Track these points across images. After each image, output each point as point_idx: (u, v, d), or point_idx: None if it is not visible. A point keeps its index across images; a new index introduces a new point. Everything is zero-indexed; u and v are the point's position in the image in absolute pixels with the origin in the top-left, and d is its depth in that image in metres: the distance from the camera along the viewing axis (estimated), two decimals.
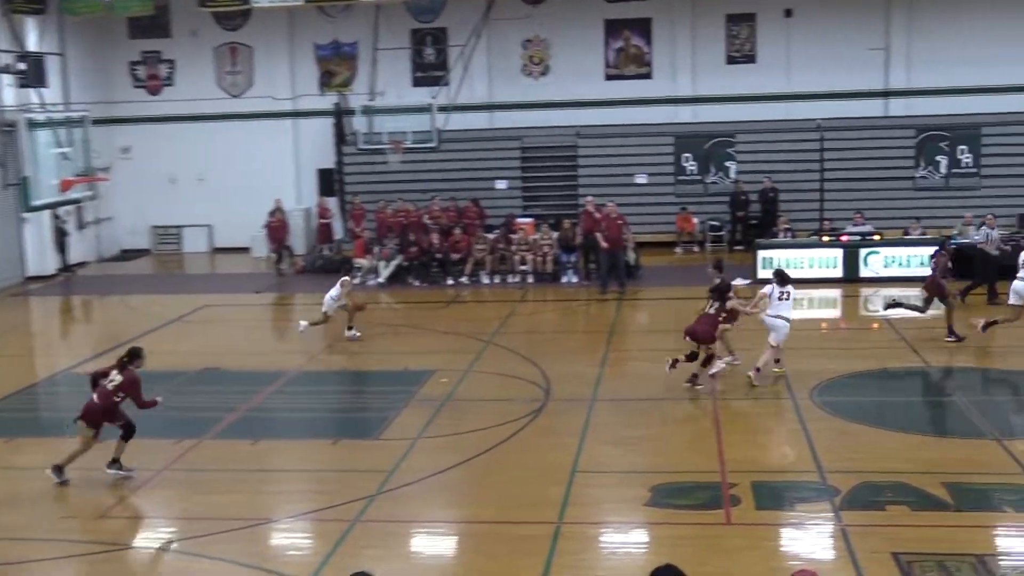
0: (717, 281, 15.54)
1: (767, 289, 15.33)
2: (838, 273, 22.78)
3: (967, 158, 27.45)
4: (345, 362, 17.75)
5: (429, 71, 29.97)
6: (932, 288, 17.72)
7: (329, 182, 29.94)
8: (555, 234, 24.72)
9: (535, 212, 27.80)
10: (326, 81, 30.43)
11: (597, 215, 23.34)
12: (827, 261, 22.87)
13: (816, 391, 14.69)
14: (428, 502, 11.31)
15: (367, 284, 24.58)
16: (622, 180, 28.26)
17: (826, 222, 25.51)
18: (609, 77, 29.65)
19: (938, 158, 27.55)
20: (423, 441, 13.14)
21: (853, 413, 13.84)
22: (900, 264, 22.72)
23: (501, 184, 28.74)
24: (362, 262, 25.10)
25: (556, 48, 29.75)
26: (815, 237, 23.89)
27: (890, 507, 10.64)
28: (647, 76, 29.49)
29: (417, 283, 24.40)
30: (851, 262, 22.78)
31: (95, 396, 11.89)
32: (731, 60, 29.16)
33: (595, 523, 10.61)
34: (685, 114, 29.12)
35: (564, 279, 24.18)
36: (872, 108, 28.44)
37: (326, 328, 18.90)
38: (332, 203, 28.78)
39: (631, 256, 23.97)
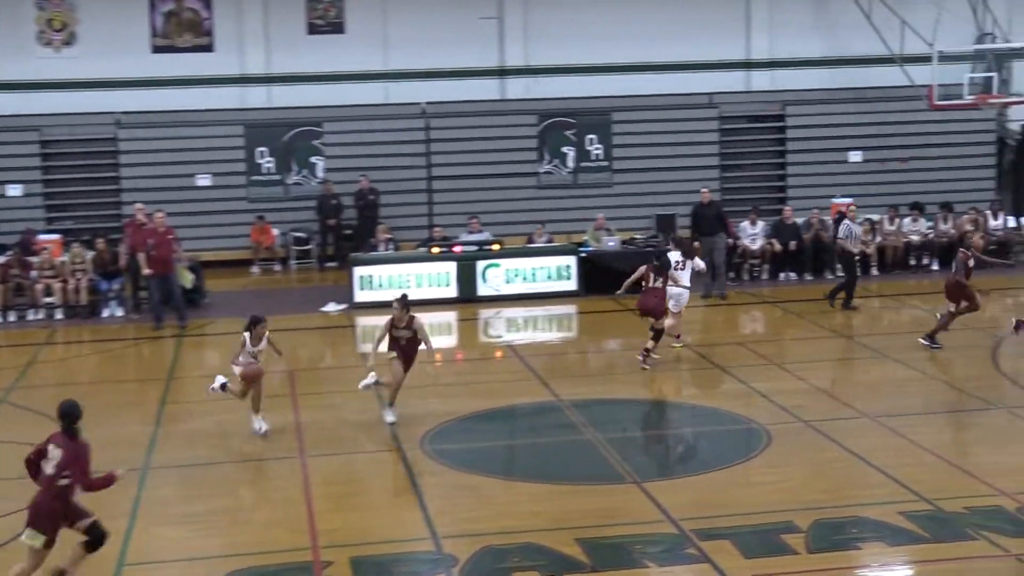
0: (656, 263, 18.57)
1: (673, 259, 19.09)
2: (452, 292, 23.65)
3: (597, 149, 29.45)
4: None
5: None
6: (952, 290, 19.25)
7: None
8: (90, 255, 23.90)
9: (63, 227, 26.77)
10: None
11: (151, 226, 22.82)
12: (439, 278, 23.70)
13: (427, 438, 15.13)
14: None
15: None
16: (179, 183, 27.86)
17: (436, 229, 26.42)
18: (157, 49, 29.16)
19: (564, 149, 29.37)
20: None
21: (472, 463, 14.37)
22: (525, 278, 23.95)
23: (13, 190, 27.48)
24: None
25: (85, 10, 28.84)
26: (423, 249, 24.68)
27: (517, 574, 11.15)
28: (207, 48, 29.28)
29: None
30: (467, 278, 23.73)
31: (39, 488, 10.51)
32: (313, 30, 29.57)
33: None
34: (258, 97, 29.18)
35: (106, 313, 23.49)
36: (487, 89, 29.86)
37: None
38: None
39: (186, 278, 23.55)
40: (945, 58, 27.32)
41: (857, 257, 22.77)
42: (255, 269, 27.66)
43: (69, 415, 10.61)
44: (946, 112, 28.33)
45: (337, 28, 29.64)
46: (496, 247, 24.43)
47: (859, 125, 29.85)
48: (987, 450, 14.40)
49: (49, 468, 10.40)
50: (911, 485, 13.00)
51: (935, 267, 26.02)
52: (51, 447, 10.53)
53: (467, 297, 23.62)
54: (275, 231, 28.01)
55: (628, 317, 22.39)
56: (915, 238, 26.38)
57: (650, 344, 18.39)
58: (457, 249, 24.19)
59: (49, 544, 10.43)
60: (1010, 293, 24.43)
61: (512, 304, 23.45)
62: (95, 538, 10.74)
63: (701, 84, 29.99)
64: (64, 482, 10.40)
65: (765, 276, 25.61)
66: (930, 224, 26.57)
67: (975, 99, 27.26)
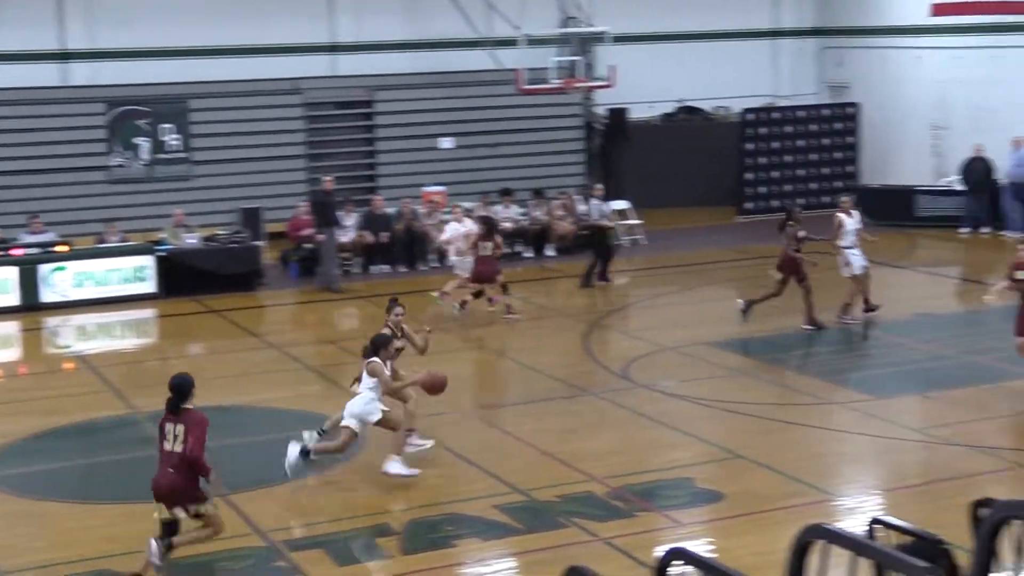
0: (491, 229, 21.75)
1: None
2: (13, 300, 22.65)
3: (174, 140, 28.86)
4: None
5: None
6: (787, 266, 19.81)
7: None
8: None
9: None
10: None
11: None
12: None
13: None
14: None
15: None
16: None
17: None
18: None
19: (138, 140, 28.60)
20: None
21: (37, 487, 13.85)
22: (96, 282, 23.23)
23: None
24: None
25: None
26: None
27: None
28: None
29: None
30: (30, 283, 22.78)
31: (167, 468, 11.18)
32: None
33: None
34: None
35: None
36: (46, 75, 28.65)
37: None
38: None
39: None
40: (531, 42, 28.40)
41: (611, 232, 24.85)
42: None
43: (179, 389, 11.16)
44: (535, 96, 29.45)
45: None
46: (62, 248, 23.52)
47: (449, 110, 30.55)
48: (578, 437, 15.13)
49: (177, 446, 11.06)
50: (506, 477, 13.52)
51: (529, 254, 26.99)
52: (168, 426, 11.16)
53: (30, 305, 22.61)
54: None
55: (212, 319, 22.17)
56: (508, 225, 27.23)
57: (507, 300, 21.36)
58: (17, 252, 23.13)
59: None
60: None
61: (83, 310, 22.68)
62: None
63: (284, 69, 29.85)
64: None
65: (357, 269, 25.85)
66: (522, 211, 27.57)
67: (562, 83, 28.47)
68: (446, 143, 30.56)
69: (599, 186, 25.54)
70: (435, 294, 21.47)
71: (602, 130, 32.03)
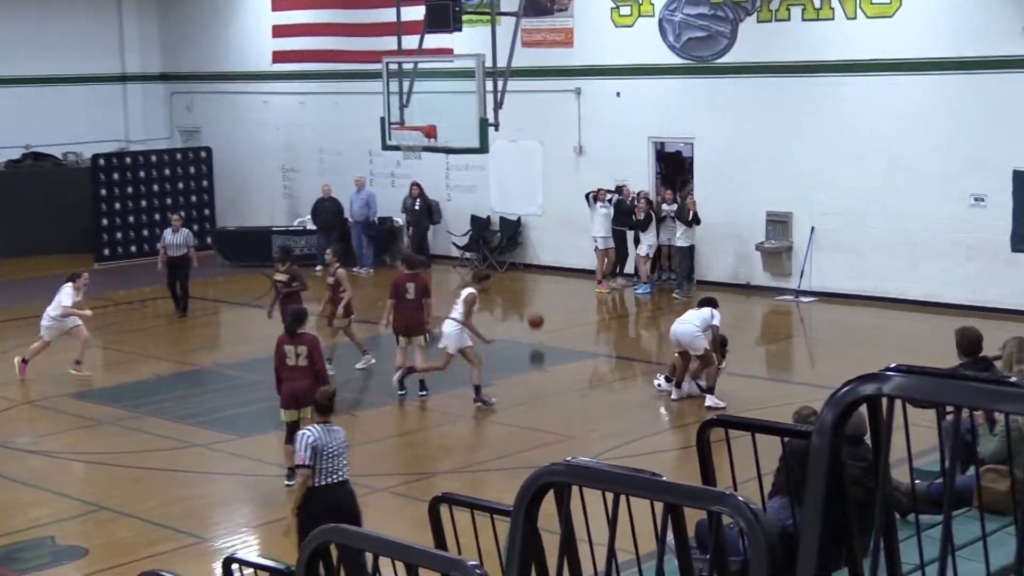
0: None
1: None
2: None
3: None
4: None
5: None
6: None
7: None
8: None
9: None
10: None
11: None
12: None
13: None
14: None
15: None
16: None
17: None
18: None
19: None
20: None
21: None
22: None
23: None
24: None
25: None
26: None
27: None
28: None
29: None
30: None
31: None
32: None
33: None
34: None
35: None
36: None
37: None
38: None
39: None
40: None
41: None
42: None
43: (298, 316, 13.80)
44: None
45: None
46: None
47: None
48: None
49: (302, 362, 13.34)
50: None
51: None
52: (288, 347, 13.39)
53: None
54: None
55: None
56: None
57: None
58: None
59: None
60: None
61: None
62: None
63: None
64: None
65: None
66: None
67: None
68: None
69: (177, 216, 24.72)
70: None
71: None
